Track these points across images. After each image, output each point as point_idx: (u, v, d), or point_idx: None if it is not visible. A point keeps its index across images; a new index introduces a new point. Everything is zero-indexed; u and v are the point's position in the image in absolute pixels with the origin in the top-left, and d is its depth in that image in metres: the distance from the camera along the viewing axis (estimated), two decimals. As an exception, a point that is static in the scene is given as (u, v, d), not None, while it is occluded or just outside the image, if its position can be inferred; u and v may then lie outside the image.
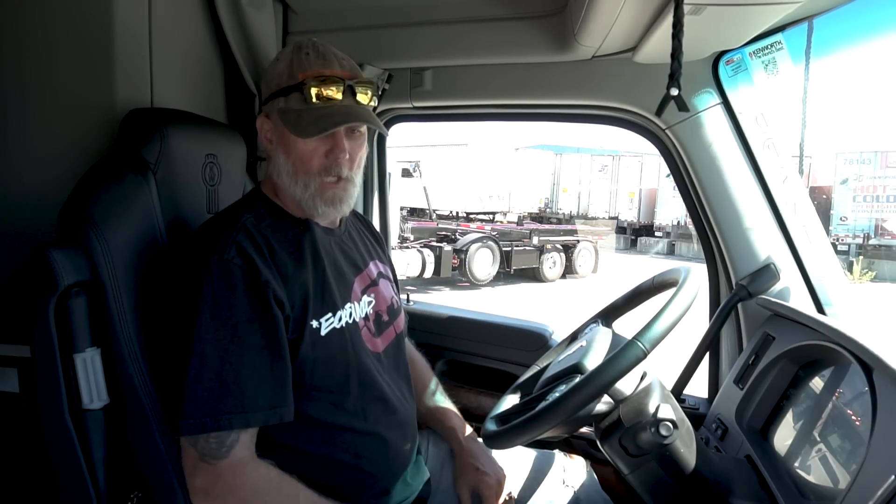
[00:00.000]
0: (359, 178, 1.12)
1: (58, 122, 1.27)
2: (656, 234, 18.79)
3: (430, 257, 10.79)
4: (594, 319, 1.30)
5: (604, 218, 19.45)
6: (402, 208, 12.89)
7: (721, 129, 1.43)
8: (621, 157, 19.87)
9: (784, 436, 1.18)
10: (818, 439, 1.08)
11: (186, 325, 0.95)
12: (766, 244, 1.42)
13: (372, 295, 1.20)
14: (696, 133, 1.44)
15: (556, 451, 1.38)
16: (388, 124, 1.94)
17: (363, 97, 1.09)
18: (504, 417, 1.13)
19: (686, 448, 1.01)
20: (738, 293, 1.42)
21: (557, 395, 0.98)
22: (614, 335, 1.14)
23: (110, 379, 1.00)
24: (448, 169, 15.14)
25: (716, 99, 1.43)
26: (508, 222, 15.66)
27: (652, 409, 0.99)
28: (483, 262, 11.57)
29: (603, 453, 1.08)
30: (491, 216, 16.26)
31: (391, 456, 1.14)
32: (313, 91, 1.04)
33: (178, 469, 0.99)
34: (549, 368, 1.16)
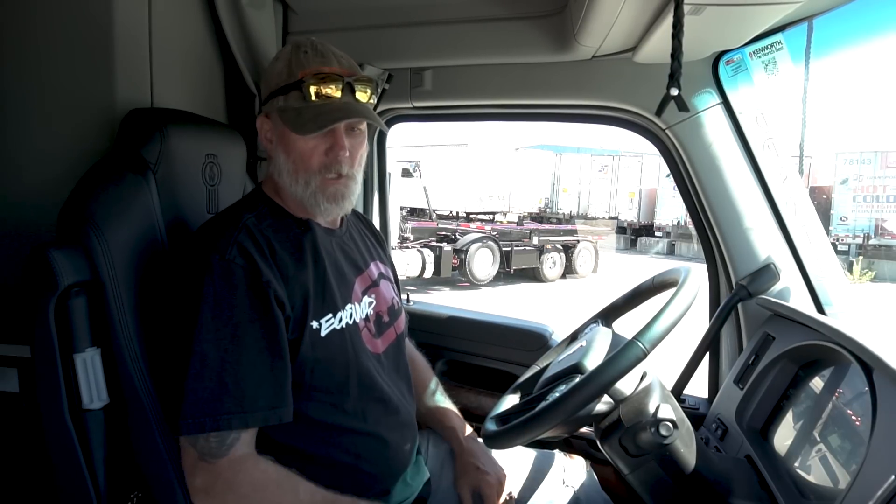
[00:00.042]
0: (360, 176, 1.12)
1: (58, 122, 1.27)
2: (656, 234, 18.79)
3: (430, 257, 10.78)
4: (594, 319, 1.30)
5: (604, 218, 19.45)
6: (402, 208, 12.89)
7: (721, 129, 1.43)
8: (621, 157, 19.87)
9: (784, 436, 1.18)
10: (818, 439, 1.08)
11: (187, 325, 0.95)
12: (766, 244, 1.42)
13: (373, 296, 1.20)
14: (696, 133, 1.44)
15: (556, 451, 1.38)
16: (388, 124, 1.94)
17: (362, 95, 1.09)
18: (504, 417, 1.13)
19: (686, 448, 1.01)
20: (738, 293, 1.42)
21: (557, 395, 0.98)
22: (614, 335, 1.14)
23: (110, 379, 1.00)
24: (448, 169, 15.14)
25: (716, 99, 1.43)
26: (508, 222, 15.67)
27: (652, 409, 0.99)
28: (483, 262, 11.56)
29: (603, 453, 1.08)
30: (491, 216, 16.26)
31: (391, 456, 1.14)
32: (312, 89, 1.04)
33: (178, 469, 0.99)
34: (549, 368, 1.16)
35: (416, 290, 9.28)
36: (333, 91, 1.05)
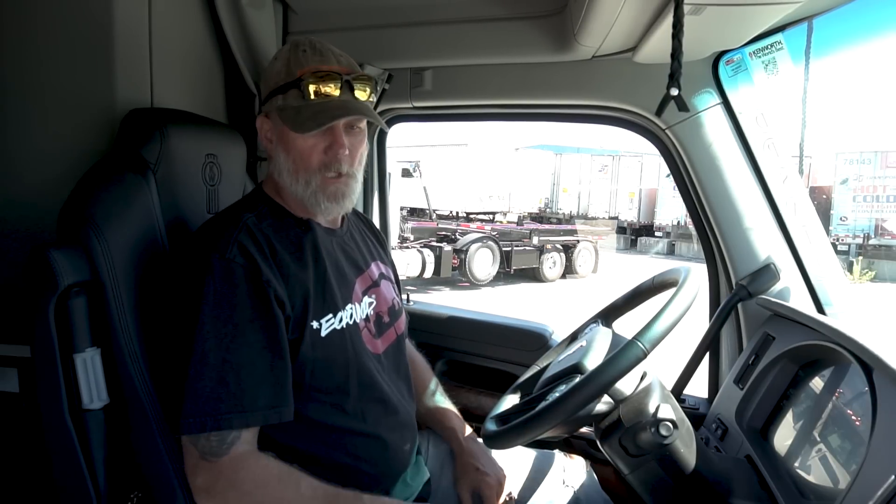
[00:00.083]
0: (360, 175, 1.12)
1: (58, 122, 1.27)
2: (656, 234, 18.79)
3: (430, 257, 10.78)
4: (594, 319, 1.30)
5: (604, 218, 19.45)
6: (402, 208, 12.89)
7: (721, 129, 1.43)
8: (621, 157, 19.87)
9: (784, 436, 1.18)
10: (818, 439, 1.08)
11: (187, 325, 0.95)
12: (766, 244, 1.42)
13: (373, 296, 1.20)
14: (696, 133, 1.44)
15: (556, 451, 1.38)
16: (389, 124, 1.94)
17: (361, 93, 1.09)
18: (504, 417, 1.13)
19: (686, 448, 1.01)
20: (738, 293, 1.42)
21: (557, 395, 0.98)
22: (614, 335, 1.14)
23: (110, 379, 1.00)
24: (448, 169, 15.14)
25: (716, 99, 1.43)
26: (508, 222, 15.66)
27: (652, 409, 0.99)
28: (483, 262, 11.56)
29: (603, 453, 1.08)
30: (491, 216, 16.26)
31: (391, 457, 1.14)
32: (311, 87, 1.04)
33: (178, 469, 0.99)
34: (549, 368, 1.16)
35: (416, 290, 9.28)
36: (332, 89, 1.05)
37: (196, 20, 1.51)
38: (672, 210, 17.62)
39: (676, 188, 1.59)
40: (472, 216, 15.46)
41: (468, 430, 1.35)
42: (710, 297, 1.59)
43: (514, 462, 1.32)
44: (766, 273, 1.41)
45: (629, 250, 18.84)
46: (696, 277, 1.02)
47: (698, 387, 1.58)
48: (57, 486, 0.98)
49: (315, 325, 1.04)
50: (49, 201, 1.10)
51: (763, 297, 1.40)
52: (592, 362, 1.04)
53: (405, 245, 10.84)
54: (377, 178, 2.05)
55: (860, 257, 14.02)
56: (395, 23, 1.67)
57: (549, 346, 1.75)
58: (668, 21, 1.00)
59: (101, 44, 1.23)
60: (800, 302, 1.40)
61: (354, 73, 1.09)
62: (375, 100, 1.74)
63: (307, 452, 1.05)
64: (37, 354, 0.97)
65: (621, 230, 19.61)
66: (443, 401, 1.40)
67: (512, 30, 1.57)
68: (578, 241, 13.42)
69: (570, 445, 1.61)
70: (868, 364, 0.96)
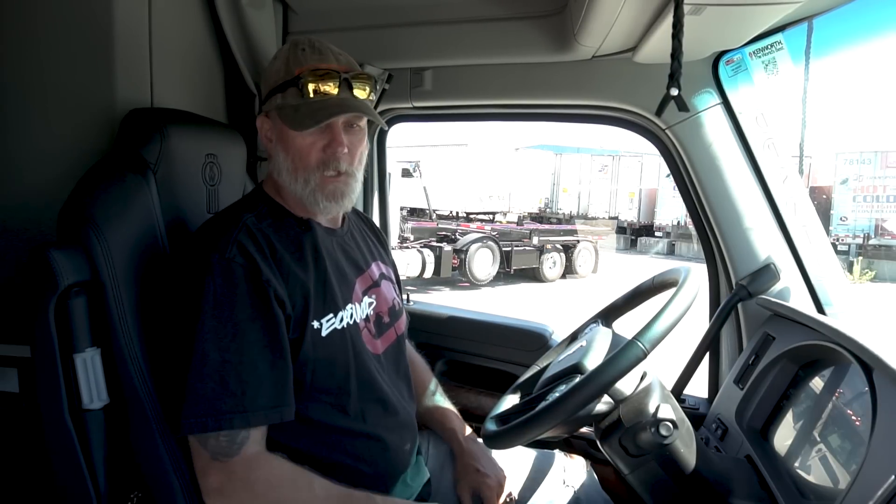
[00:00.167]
0: (360, 175, 1.12)
1: (58, 122, 1.27)
2: (656, 234, 18.79)
3: (430, 257, 10.78)
4: (594, 319, 1.30)
5: (604, 218, 19.45)
6: (402, 208, 12.89)
7: (721, 129, 1.43)
8: (621, 157, 19.86)
9: (784, 436, 1.18)
10: (818, 439, 1.08)
11: (188, 324, 0.95)
12: (766, 244, 1.42)
13: (373, 296, 1.20)
14: (696, 133, 1.44)
15: (556, 451, 1.38)
16: (389, 124, 1.94)
17: (360, 92, 1.08)
18: (504, 417, 1.13)
19: (686, 448, 1.01)
20: (738, 293, 1.42)
21: (557, 395, 0.98)
22: (614, 335, 1.13)
23: (110, 379, 1.00)
24: (448, 169, 15.14)
25: (716, 99, 1.43)
26: (508, 222, 15.66)
27: (652, 409, 0.99)
28: (483, 262, 11.56)
29: (603, 453, 1.08)
30: (491, 216, 16.26)
31: (391, 458, 1.14)
32: (310, 86, 1.04)
33: (179, 469, 1.00)
34: (549, 368, 1.16)
35: (416, 290, 9.28)
36: (331, 88, 1.05)
37: (196, 20, 1.51)
38: (672, 210, 17.62)
39: (676, 188, 1.59)
40: (472, 216, 15.46)
41: (468, 430, 1.35)
42: (710, 297, 1.59)
43: (515, 462, 1.32)
44: (766, 273, 1.41)
45: (629, 250, 18.84)
46: (696, 277, 1.02)
47: (698, 387, 1.57)
48: (57, 486, 0.98)
49: (316, 324, 1.04)
50: (49, 201, 1.10)
51: (763, 297, 1.40)
52: (592, 362, 1.04)
53: (405, 245, 10.84)
54: (377, 178, 2.05)
55: (860, 257, 14.02)
56: (395, 23, 1.67)
57: (549, 346, 1.74)
58: (668, 21, 1.00)
59: (101, 44, 1.23)
60: (800, 302, 1.40)
61: (353, 72, 1.09)
62: (375, 99, 1.74)
63: (307, 453, 1.05)
64: (37, 354, 0.97)
65: (621, 230, 19.61)
66: (443, 401, 1.40)
67: (512, 30, 1.57)
68: (578, 242, 13.42)
69: (571, 445, 1.61)
70: (868, 364, 0.96)
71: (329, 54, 1.08)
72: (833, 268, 1.43)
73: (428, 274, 10.75)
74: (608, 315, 1.30)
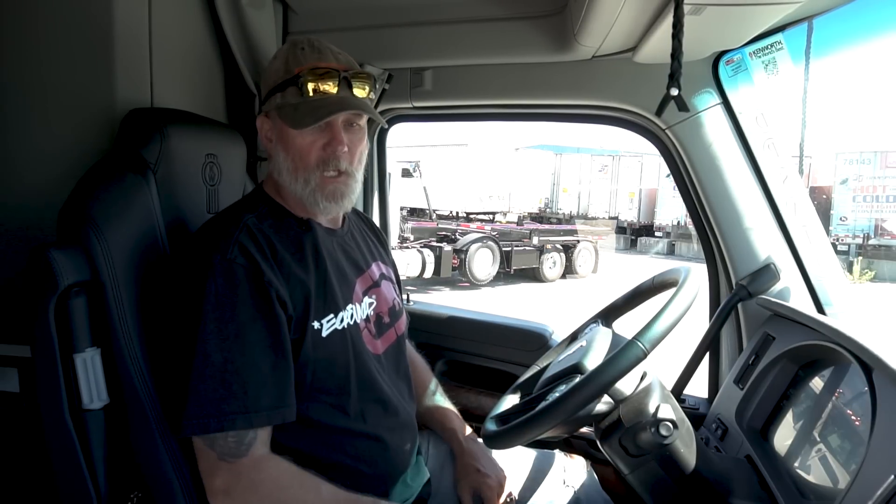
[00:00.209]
0: (360, 174, 1.12)
1: (58, 122, 1.27)
2: (656, 234, 18.79)
3: (430, 257, 10.78)
4: (594, 319, 1.30)
5: (604, 218, 19.45)
6: (402, 208, 12.89)
7: (721, 129, 1.43)
8: (621, 157, 19.86)
9: (784, 436, 1.18)
10: (818, 439, 1.08)
11: (189, 325, 0.95)
12: (766, 244, 1.42)
13: (373, 296, 1.20)
14: (696, 133, 1.44)
15: (556, 451, 1.38)
16: (389, 124, 1.94)
17: (360, 90, 1.08)
18: (504, 417, 1.13)
19: (686, 448, 1.01)
20: (738, 293, 1.42)
21: (557, 395, 0.98)
22: (614, 335, 1.14)
23: (110, 379, 1.00)
24: (448, 169, 15.14)
25: (716, 99, 1.43)
26: (508, 222, 15.66)
27: (652, 409, 0.99)
28: (483, 262, 11.56)
29: (603, 453, 1.08)
30: (491, 216, 16.26)
31: (391, 458, 1.14)
32: (310, 85, 1.04)
33: (179, 469, 1.00)
34: (549, 368, 1.16)
35: (416, 290, 9.28)
36: (330, 87, 1.05)
37: (196, 20, 1.51)
38: (672, 210, 17.62)
39: (676, 188, 1.59)
40: (472, 216, 15.46)
41: (468, 430, 1.35)
42: (710, 297, 1.59)
43: (515, 462, 1.32)
44: (766, 273, 1.41)
45: (629, 250, 18.84)
46: (696, 277, 1.02)
47: (698, 387, 1.58)
48: (57, 486, 0.98)
49: (316, 325, 1.04)
50: (49, 201, 1.10)
51: (763, 297, 1.40)
52: (592, 362, 1.04)
53: (405, 245, 10.84)
54: (377, 177, 2.05)
55: (860, 257, 14.02)
56: (395, 23, 1.67)
57: (549, 346, 1.74)
58: (668, 21, 1.00)
59: (101, 44, 1.23)
60: (800, 302, 1.40)
61: (353, 70, 1.09)
62: (375, 98, 1.74)
63: (307, 453, 1.05)
64: (37, 354, 0.97)
65: (621, 230, 19.61)
66: (443, 401, 1.40)
67: (512, 30, 1.57)
68: (578, 241, 13.42)
69: (571, 445, 1.61)
70: (868, 364, 0.96)
71: (328, 53, 1.08)
72: (833, 268, 1.43)
73: (428, 274, 10.75)
74: (608, 315, 1.30)
